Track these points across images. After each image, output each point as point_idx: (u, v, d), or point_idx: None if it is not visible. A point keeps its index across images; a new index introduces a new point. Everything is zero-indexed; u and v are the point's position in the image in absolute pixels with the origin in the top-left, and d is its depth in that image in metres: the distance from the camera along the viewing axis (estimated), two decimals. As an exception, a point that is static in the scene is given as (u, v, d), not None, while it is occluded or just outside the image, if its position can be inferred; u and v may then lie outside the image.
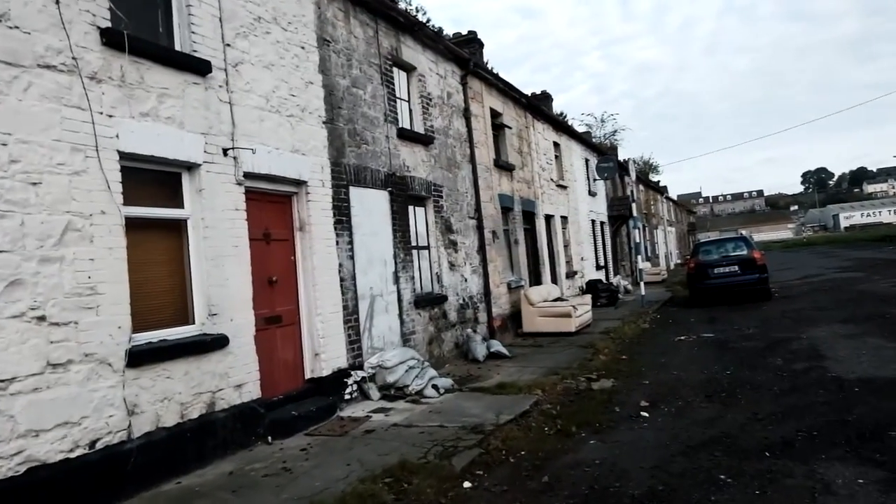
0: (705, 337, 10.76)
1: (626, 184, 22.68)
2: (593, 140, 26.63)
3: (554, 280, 15.98)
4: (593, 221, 20.96)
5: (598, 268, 20.74)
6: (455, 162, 10.77)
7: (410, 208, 9.22)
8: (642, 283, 16.78)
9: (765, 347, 9.06)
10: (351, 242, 7.59)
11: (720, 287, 15.53)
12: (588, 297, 13.39)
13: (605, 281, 19.11)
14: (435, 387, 7.37)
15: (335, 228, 7.33)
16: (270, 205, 6.67)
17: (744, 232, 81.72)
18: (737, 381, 7.10)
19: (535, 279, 14.55)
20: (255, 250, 6.18)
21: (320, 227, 7.08)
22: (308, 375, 6.92)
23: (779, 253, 46.81)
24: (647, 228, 33.54)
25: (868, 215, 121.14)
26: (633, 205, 17.41)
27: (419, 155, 9.55)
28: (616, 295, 18.15)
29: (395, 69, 9.26)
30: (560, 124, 17.76)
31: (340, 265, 7.34)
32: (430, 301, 9.30)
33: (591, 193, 21.16)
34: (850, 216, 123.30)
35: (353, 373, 7.30)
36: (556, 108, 37.73)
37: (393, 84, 9.07)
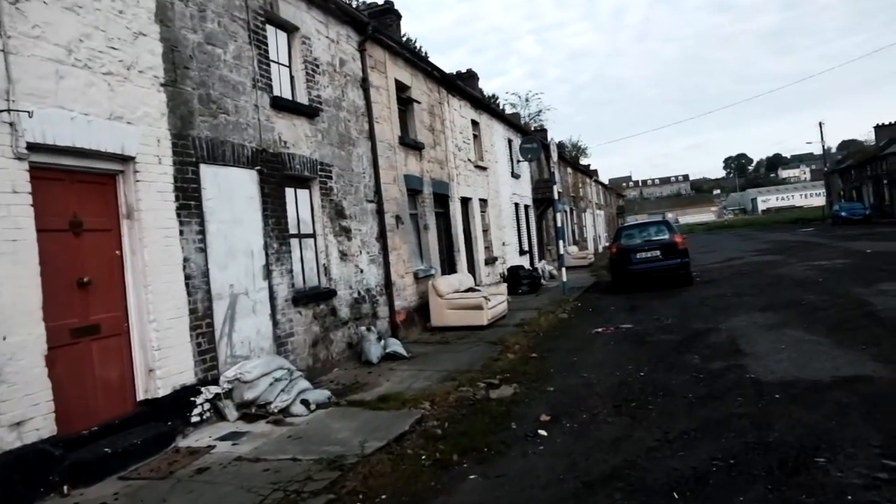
0: (623, 329, 10.04)
1: (546, 165, 21.97)
2: (518, 121, 25.81)
3: (472, 267, 15.04)
4: (517, 205, 20.16)
5: (522, 253, 20.00)
6: (349, 138, 9.53)
7: (289, 191, 7.94)
8: (563, 270, 16.09)
9: (682, 341, 8.37)
10: (203, 232, 6.27)
11: (642, 273, 15.02)
12: (503, 287, 12.51)
13: (527, 267, 18.37)
14: (305, 402, 6.21)
15: (179, 215, 5.99)
16: (81, 186, 5.28)
17: (668, 215, 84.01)
18: (650, 385, 6.28)
19: (450, 267, 13.54)
20: (51, 245, 4.80)
21: (156, 213, 5.73)
22: (141, 397, 5.60)
23: (702, 235, 47.99)
24: (574, 212, 33.26)
25: (783, 199, 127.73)
26: (556, 187, 16.65)
27: (301, 129, 8.26)
28: (538, 282, 17.43)
29: (269, 27, 7.90)
30: (479, 102, 16.74)
31: (187, 260, 6.02)
32: (313, 297, 8.09)
33: (515, 175, 20.33)
34: (767, 200, 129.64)
35: (203, 389, 6.03)
36: (491, 91, 36.86)
37: (266, 45, 7.72)
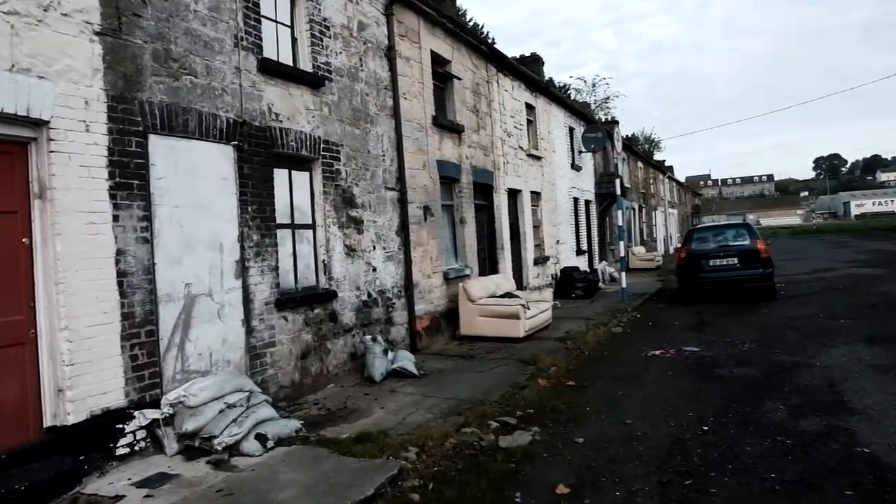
0: (687, 353, 8.25)
1: (609, 156, 19.92)
2: (585, 108, 23.79)
3: (518, 267, 13.45)
4: (576, 200, 18.33)
5: (580, 253, 18.18)
6: (366, 115, 8.17)
7: (280, 172, 6.66)
8: (623, 274, 14.22)
9: (763, 379, 6.55)
10: (148, 218, 5.06)
11: (715, 282, 13.00)
12: (548, 293, 10.89)
13: (582, 269, 16.57)
14: (261, 437, 4.91)
15: (113, 197, 4.80)
16: (-28, 154, 4.15)
17: (749, 217, 78.78)
18: (715, 449, 4.60)
19: (491, 267, 12.03)
20: None
21: (77, 193, 4.54)
22: (48, 423, 4.46)
23: (786, 240, 43.99)
24: (643, 209, 30.86)
25: (880, 204, 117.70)
26: (618, 181, 14.77)
27: (300, 100, 6.96)
28: (595, 286, 15.62)
29: (264, -23, 6.63)
30: (536, 83, 15.04)
31: (122, 253, 4.83)
32: (306, 299, 6.80)
33: (575, 167, 18.49)
34: (862, 204, 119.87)
35: (137, 414, 4.84)
36: (563, 82, 34.49)
37: (258, -4, 6.45)
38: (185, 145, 5.46)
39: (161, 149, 5.23)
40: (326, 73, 7.41)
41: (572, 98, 28.46)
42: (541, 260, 14.61)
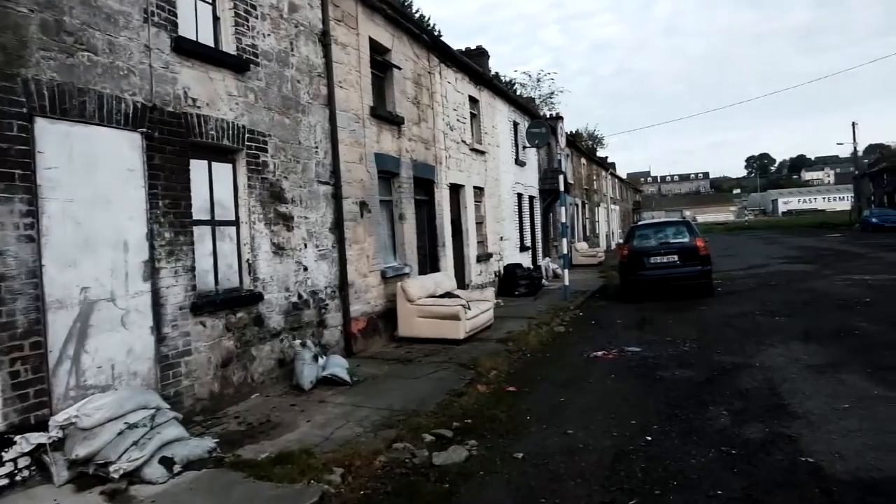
0: (629, 354, 8.12)
1: (552, 152, 19.87)
2: (530, 103, 23.69)
3: (460, 265, 13.14)
4: (520, 195, 18.18)
5: (523, 249, 18.05)
6: (297, 103, 7.63)
7: (198, 163, 6.07)
8: (566, 272, 14.12)
9: (705, 382, 6.43)
10: (34, 214, 4.43)
11: (656, 280, 13.05)
12: (489, 292, 10.60)
13: (526, 266, 16.43)
14: (167, 461, 4.38)
15: (-11, 188, 4.16)
16: None
17: (686, 213, 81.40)
18: (659, 462, 4.36)
19: (432, 265, 11.65)
20: None
21: (-58, 183, 3.89)
22: None
23: (722, 236, 45.57)
24: (586, 205, 31.18)
25: (805, 201, 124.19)
26: (562, 177, 14.64)
27: (222, 84, 6.37)
28: (538, 283, 15.49)
29: (180, -53, 6.00)
30: (480, 76, 14.72)
31: None
32: (227, 302, 6.25)
33: (519, 163, 18.33)
34: (788, 202, 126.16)
35: (19, 439, 4.22)
36: (510, 78, 34.16)
37: (173, -31, 5.82)
38: (82, 131, 4.83)
39: (51, 135, 4.59)
40: (252, 57, 6.84)
41: (517, 93, 28.35)
42: (484, 257, 14.35)
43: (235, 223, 6.63)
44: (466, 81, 13.94)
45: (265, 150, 6.97)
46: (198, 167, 6.08)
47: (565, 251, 14.48)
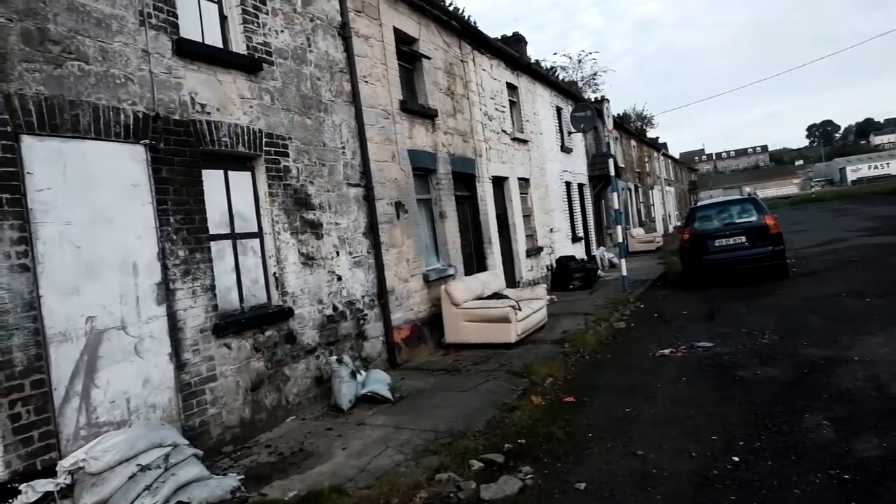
0: (700, 350, 7.29)
1: (601, 136, 18.84)
2: (572, 86, 22.70)
3: (509, 262, 12.46)
4: (568, 184, 17.30)
5: (576, 240, 17.18)
6: (319, 102, 7.14)
7: (212, 173, 5.65)
8: (623, 261, 13.22)
9: (794, 383, 5.57)
10: (27, 240, 4.05)
11: (722, 264, 12.01)
12: (540, 290, 9.87)
13: (579, 257, 15.57)
14: (184, 507, 3.92)
15: (-27, 216, 3.79)
16: None
17: (746, 189, 77.55)
18: (753, 495, 3.60)
19: (479, 263, 11.02)
20: None
21: (-82, 215, 3.53)
22: None
23: (788, 211, 43.00)
24: (640, 189, 29.85)
25: (876, 168, 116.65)
26: (611, 161, 13.72)
27: (233, 87, 5.92)
28: (593, 275, 14.63)
29: (178, -57, 5.57)
30: (517, 61, 13.96)
31: (-9, 286, 3.82)
32: (254, 321, 5.80)
33: (565, 149, 17.45)
34: (858, 169, 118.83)
35: (23, 488, 3.85)
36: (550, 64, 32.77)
37: (171, -34, 5.40)
38: (76, 147, 4.44)
39: (40, 153, 4.20)
40: (265, 56, 6.37)
41: (559, 77, 27.28)
42: (534, 251, 13.60)
43: (258, 235, 6.18)
44: (503, 68, 13.22)
45: (286, 155, 6.50)
46: (212, 178, 5.65)
47: (620, 239, 13.58)
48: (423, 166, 9.29)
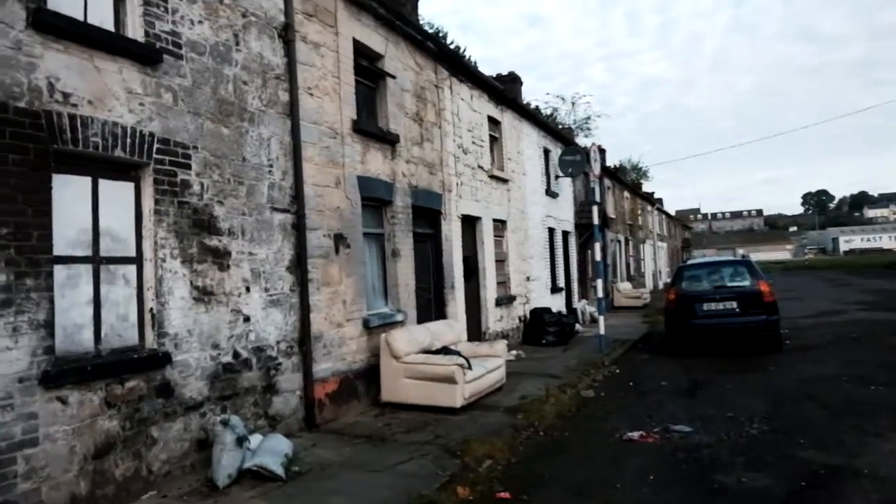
0: (675, 436, 6.07)
1: (589, 183, 17.80)
2: (560, 127, 21.84)
3: (476, 310, 11.26)
4: (552, 230, 16.24)
5: (555, 290, 16.02)
6: (242, 110, 6.05)
7: (68, 180, 4.50)
8: (602, 319, 12.03)
9: (787, 501, 4.34)
10: None
11: (710, 330, 10.87)
12: (500, 345, 8.64)
13: (556, 310, 14.37)
14: None
15: None
16: None
17: (739, 251, 76.92)
18: None
19: (438, 310, 9.83)
20: None
21: None
22: None
23: (781, 276, 42.00)
24: (630, 243, 28.88)
25: (868, 240, 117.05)
26: (596, 209, 12.68)
27: (118, 78, 4.82)
28: (570, 330, 13.41)
29: None
30: (502, 96, 13.04)
31: None
32: (108, 368, 4.55)
33: (551, 194, 16.46)
34: (850, 240, 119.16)
35: None
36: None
37: (46, -77, 4.35)
38: None
39: None
40: (171, 47, 5.29)
41: (554, 119, 26.50)
42: (505, 300, 12.42)
43: (137, 261, 5.00)
44: (485, 100, 12.28)
45: (187, 167, 5.37)
46: (71, 185, 4.51)
47: (601, 294, 12.41)
48: (376, 196, 8.18)
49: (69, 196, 4.48)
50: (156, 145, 5.08)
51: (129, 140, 4.85)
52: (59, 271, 4.36)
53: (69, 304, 4.44)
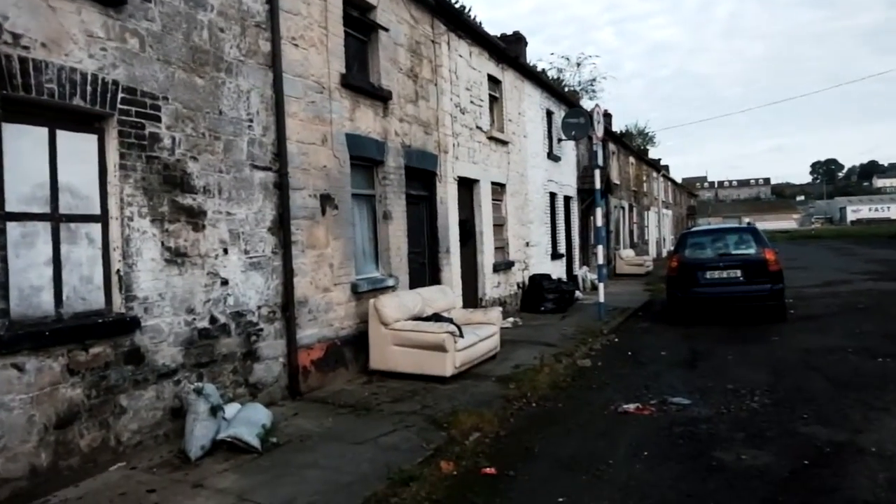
0: (673, 408, 5.84)
1: (592, 146, 17.27)
2: (565, 89, 21.21)
3: (473, 276, 10.97)
4: (553, 195, 15.84)
5: (556, 257, 15.70)
6: (219, 59, 5.65)
7: (20, 130, 4.15)
8: (602, 286, 11.74)
9: (790, 478, 4.09)
10: None
11: (712, 299, 10.59)
12: (494, 312, 8.36)
13: (556, 276, 14.08)
14: None
15: None
16: None
17: (745, 220, 76.21)
18: None
19: (432, 275, 9.54)
20: None
21: None
22: None
23: (786, 245, 41.55)
24: (634, 209, 28.43)
25: (876, 210, 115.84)
26: (598, 173, 12.27)
27: (76, 20, 4.43)
28: (569, 297, 13.14)
29: None
30: (502, 53, 12.49)
31: None
32: (70, 333, 4.28)
33: (553, 157, 16.00)
34: (858, 210, 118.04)
35: None
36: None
37: None
38: None
39: None
40: (137, -14, 4.88)
41: (560, 82, 25.74)
42: (503, 266, 12.12)
43: (102, 219, 4.68)
44: (485, 58, 11.76)
45: (156, 119, 5.00)
46: (24, 135, 4.16)
47: (601, 261, 12.09)
48: (366, 156, 7.81)
49: (23, 148, 4.14)
50: (120, 94, 4.71)
51: (89, 88, 4.48)
52: (13, 229, 4.05)
53: (25, 265, 4.14)
